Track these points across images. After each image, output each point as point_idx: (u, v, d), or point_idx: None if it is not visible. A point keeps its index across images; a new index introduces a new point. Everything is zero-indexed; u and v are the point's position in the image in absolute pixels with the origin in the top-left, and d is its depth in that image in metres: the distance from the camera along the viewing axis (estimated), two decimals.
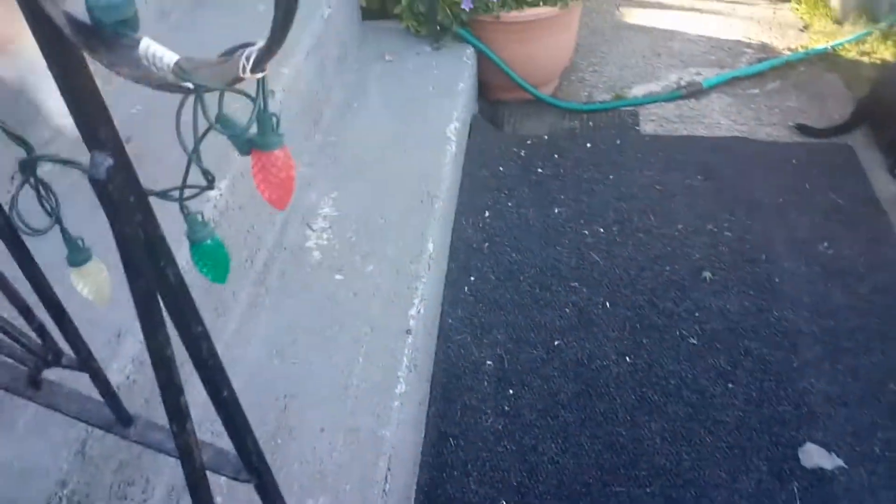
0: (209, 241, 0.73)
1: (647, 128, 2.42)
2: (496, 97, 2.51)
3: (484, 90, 2.48)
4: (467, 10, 2.15)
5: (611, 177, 2.19)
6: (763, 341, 1.70)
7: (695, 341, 1.71)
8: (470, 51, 2.30)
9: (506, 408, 1.58)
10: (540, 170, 2.23)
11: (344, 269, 1.58)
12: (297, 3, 0.57)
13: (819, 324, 1.74)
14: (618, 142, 2.34)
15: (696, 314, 1.77)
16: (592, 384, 1.63)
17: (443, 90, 2.13)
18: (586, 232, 2.01)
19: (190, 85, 0.58)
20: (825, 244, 1.95)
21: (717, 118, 2.44)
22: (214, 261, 0.74)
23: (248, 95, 0.62)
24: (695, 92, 2.53)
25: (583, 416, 1.57)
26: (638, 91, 2.59)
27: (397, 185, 1.80)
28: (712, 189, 2.14)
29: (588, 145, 2.32)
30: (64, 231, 0.75)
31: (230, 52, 0.64)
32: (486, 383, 1.63)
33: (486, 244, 1.96)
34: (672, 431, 1.53)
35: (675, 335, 1.72)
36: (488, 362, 1.67)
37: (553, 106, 2.47)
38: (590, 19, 3.04)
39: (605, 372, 1.65)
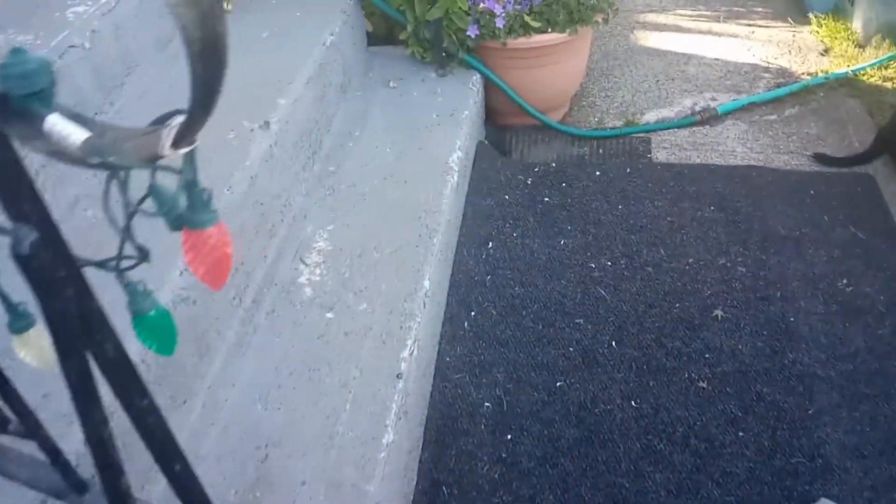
0: (152, 313, 0.68)
1: (660, 155, 2.34)
2: (504, 122, 2.46)
3: (491, 115, 2.43)
4: (473, 36, 2.10)
5: (620, 207, 2.12)
6: (776, 386, 1.62)
7: (704, 385, 1.62)
8: (476, 77, 2.25)
9: (503, 454, 1.51)
10: (546, 199, 2.17)
11: (336, 307, 1.52)
12: (221, 75, 0.52)
13: (836, 367, 1.65)
14: (628, 170, 2.26)
15: (707, 355, 1.69)
16: (595, 430, 1.55)
17: (447, 118, 2.08)
18: (593, 265, 1.94)
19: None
20: (844, 281, 1.86)
21: (733, 145, 2.36)
22: (159, 332, 0.69)
23: (173, 171, 0.57)
24: (709, 118, 2.45)
25: (584, 464, 1.49)
26: (650, 117, 2.52)
27: (395, 217, 1.74)
28: (725, 220, 2.06)
29: (597, 173, 2.26)
30: (3, 296, 0.71)
31: (162, 120, 0.59)
32: (483, 427, 1.56)
33: (489, 277, 1.90)
34: (678, 483, 1.45)
35: (684, 378, 1.64)
36: (486, 404, 1.60)
37: (562, 132, 2.40)
38: (603, 42, 2.97)
39: (608, 417, 1.57)
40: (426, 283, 1.58)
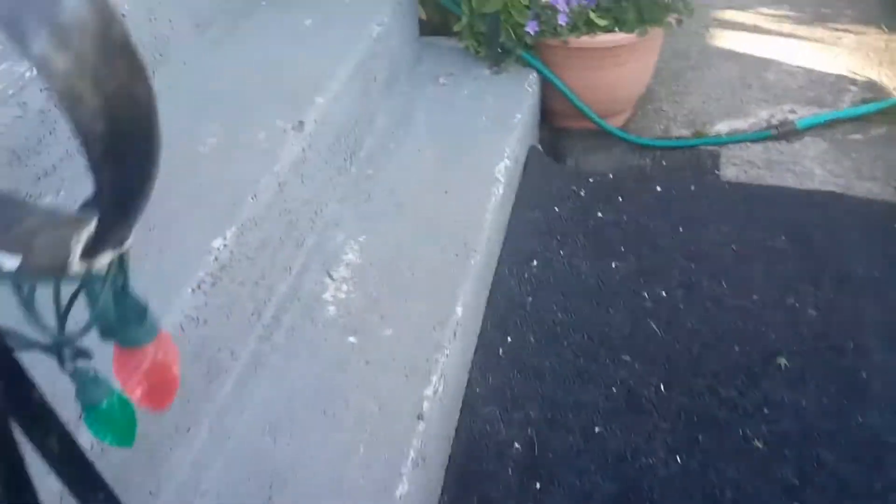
0: (104, 405, 0.56)
1: (728, 172, 2.15)
2: (560, 125, 2.29)
3: (548, 116, 2.26)
4: (532, 33, 1.94)
5: (680, 229, 1.94)
6: (841, 452, 1.44)
7: (760, 444, 1.46)
8: (533, 76, 2.08)
9: None
10: (600, 214, 2.00)
11: (359, 331, 1.41)
12: (146, 174, 0.40)
13: None
14: (692, 187, 2.08)
15: (765, 410, 1.52)
16: (634, 487, 1.41)
17: (497, 121, 1.93)
18: (645, 294, 1.78)
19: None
20: None
21: (810, 166, 2.15)
22: (115, 423, 0.58)
23: (96, 278, 0.44)
24: (787, 133, 2.24)
25: None
26: (722, 128, 2.31)
27: (433, 232, 1.61)
28: (798, 254, 1.86)
29: (658, 189, 2.08)
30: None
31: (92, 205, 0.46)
32: (510, 471, 1.44)
33: (530, 299, 1.76)
34: None
35: (738, 434, 1.48)
36: (516, 445, 1.47)
37: (622, 140, 2.23)
38: (674, 40, 2.76)
39: (650, 473, 1.43)
40: (459, 311, 1.45)
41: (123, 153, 0.37)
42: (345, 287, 1.49)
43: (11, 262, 0.41)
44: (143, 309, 0.50)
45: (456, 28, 2.09)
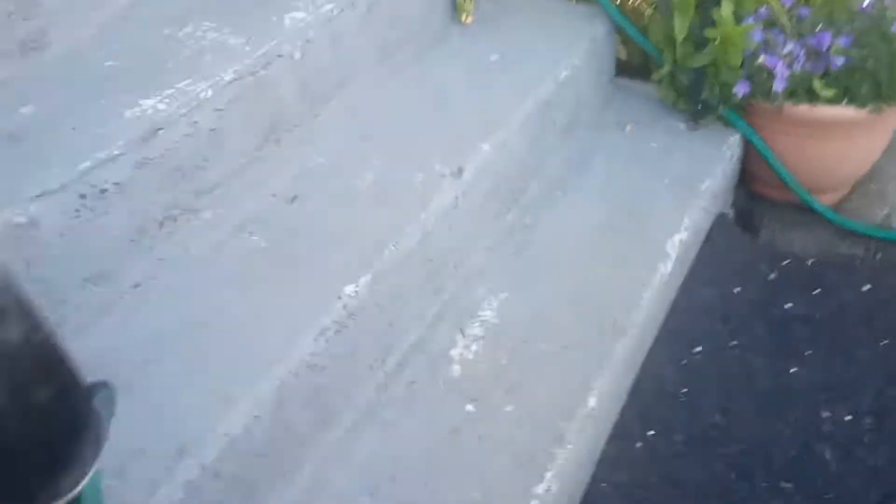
0: None
1: None
2: (759, 191, 2.02)
3: (746, 179, 2.00)
4: (741, 95, 1.72)
5: (885, 342, 1.63)
6: None
7: None
8: (734, 138, 1.85)
9: None
10: (789, 305, 1.73)
11: (479, 400, 1.31)
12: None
13: None
14: None
15: None
16: None
17: (682, 184, 1.73)
18: (826, 414, 1.51)
19: None
20: None
21: None
22: None
23: None
24: None
25: None
26: None
27: (582, 301, 1.47)
28: None
29: (866, 287, 1.76)
30: None
31: None
32: None
33: (684, 390, 1.56)
34: None
35: None
36: None
37: (830, 221, 1.91)
38: None
39: None
40: (591, 402, 1.30)
41: None
42: (474, 347, 1.40)
43: None
44: None
45: (655, 76, 1.92)
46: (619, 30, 1.94)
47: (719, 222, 1.87)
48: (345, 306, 1.22)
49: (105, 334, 1.20)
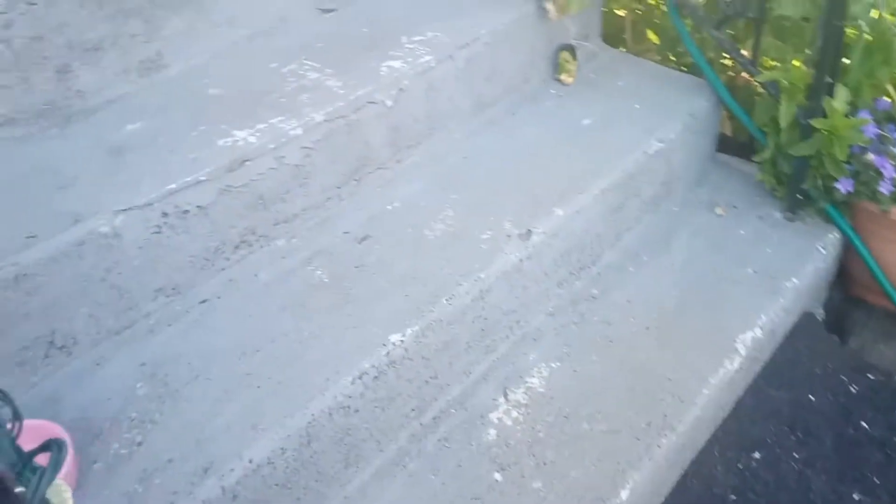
0: None
1: None
2: (855, 293, 1.89)
3: (843, 280, 1.88)
4: (844, 191, 1.62)
5: None
6: None
7: None
8: (833, 236, 1.75)
9: None
10: (865, 424, 1.60)
11: (508, 470, 1.29)
12: None
13: None
14: None
15: None
16: None
17: (766, 278, 1.65)
18: None
19: None
20: None
21: None
22: None
23: None
24: None
25: None
26: None
27: (635, 386, 1.43)
28: None
29: None
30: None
31: None
32: None
33: (734, 497, 1.47)
34: None
35: None
36: None
37: None
38: None
39: None
40: (624, 494, 1.25)
41: None
42: (515, 413, 1.38)
43: None
44: None
45: (756, 159, 1.84)
46: (725, 105, 1.88)
47: (805, 322, 1.76)
48: (388, 354, 1.24)
49: (167, 343, 1.27)
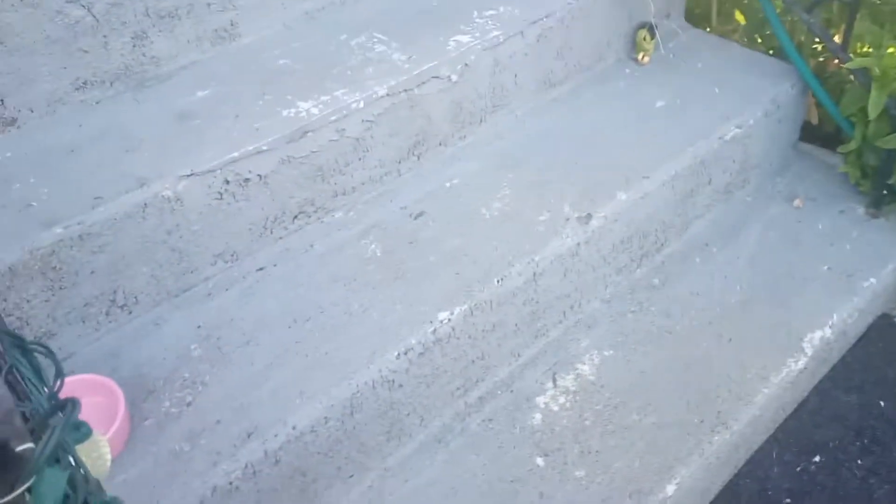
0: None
1: None
2: None
3: None
4: None
5: None
6: None
7: None
8: None
9: None
10: None
11: (551, 456, 1.28)
12: None
13: None
14: None
15: None
16: None
17: (842, 277, 1.55)
18: None
19: None
20: None
21: None
22: None
23: None
24: None
25: None
26: None
27: (691, 381, 1.38)
28: None
29: None
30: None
31: None
32: None
33: (788, 500, 1.41)
34: None
35: None
36: None
37: None
38: None
39: None
40: (670, 489, 1.22)
41: None
42: (562, 399, 1.36)
43: None
44: None
45: (841, 150, 1.73)
46: (811, 92, 1.77)
47: (881, 324, 1.65)
48: (434, 331, 1.24)
49: (222, 307, 1.31)
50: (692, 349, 1.44)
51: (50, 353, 0.66)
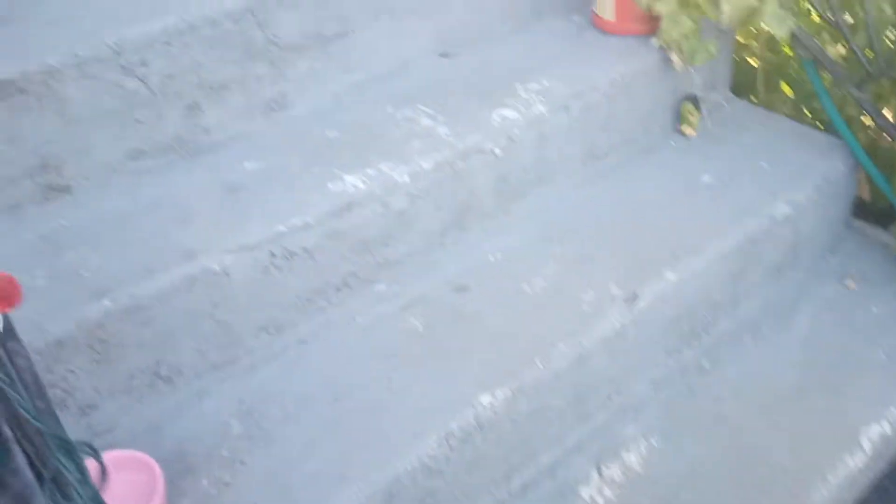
0: None
1: None
2: None
3: None
4: None
5: None
6: None
7: None
8: None
9: None
10: None
11: None
12: None
13: None
14: None
15: None
16: None
17: None
18: None
19: None
20: None
21: None
22: None
23: None
24: None
25: None
26: None
27: (743, 474, 1.32)
28: None
29: None
30: None
31: None
32: None
33: None
34: None
35: None
36: None
37: None
38: None
39: None
40: None
41: None
42: (607, 492, 1.31)
43: None
44: None
45: (894, 229, 1.68)
46: (862, 168, 1.74)
47: None
48: (476, 416, 1.20)
49: (265, 381, 1.29)
50: (744, 438, 1.38)
51: (96, 455, 0.65)
